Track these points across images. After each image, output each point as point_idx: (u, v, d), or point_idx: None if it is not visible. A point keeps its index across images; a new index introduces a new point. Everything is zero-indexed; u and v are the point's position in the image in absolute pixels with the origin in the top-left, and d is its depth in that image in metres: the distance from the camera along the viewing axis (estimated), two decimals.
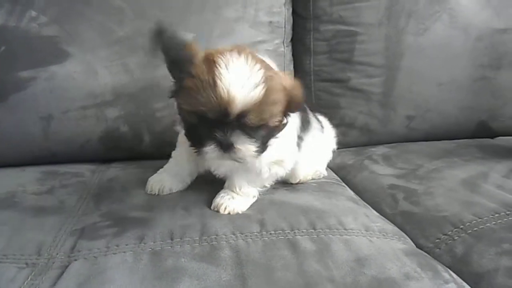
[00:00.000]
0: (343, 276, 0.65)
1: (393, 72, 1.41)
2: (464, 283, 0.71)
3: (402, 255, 0.75)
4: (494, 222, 0.88)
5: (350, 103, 1.43)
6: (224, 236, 0.75)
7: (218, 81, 0.68)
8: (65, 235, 0.75)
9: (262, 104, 0.71)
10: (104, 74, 1.11)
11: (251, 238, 0.75)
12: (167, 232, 0.75)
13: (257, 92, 0.70)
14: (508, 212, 0.90)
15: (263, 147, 0.77)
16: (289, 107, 0.78)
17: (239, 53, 0.73)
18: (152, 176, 0.93)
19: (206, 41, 1.13)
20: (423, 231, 0.91)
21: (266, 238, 0.76)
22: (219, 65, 0.70)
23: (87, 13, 1.10)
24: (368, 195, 1.11)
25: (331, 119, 1.45)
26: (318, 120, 1.12)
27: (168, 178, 0.92)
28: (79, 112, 1.11)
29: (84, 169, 1.10)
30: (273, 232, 0.77)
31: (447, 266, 0.79)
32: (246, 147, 0.73)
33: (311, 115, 1.04)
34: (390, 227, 0.91)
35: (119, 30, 1.12)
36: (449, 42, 1.42)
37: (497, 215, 0.90)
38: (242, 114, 0.70)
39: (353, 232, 0.81)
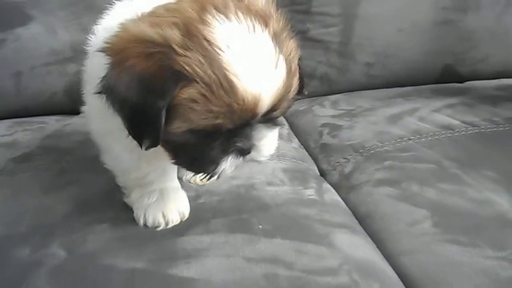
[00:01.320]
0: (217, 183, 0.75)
1: (350, 21, 1.46)
2: (327, 191, 0.81)
3: (279, 170, 0.86)
4: (391, 146, 0.95)
5: (309, 53, 1.50)
6: None
7: (234, 79, 0.47)
8: None
9: (290, 78, 0.53)
10: (63, 33, 1.27)
11: None
12: None
13: (283, 67, 0.51)
14: (411, 138, 0.96)
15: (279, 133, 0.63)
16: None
17: (221, 9, 0.50)
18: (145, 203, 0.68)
19: None
20: (329, 158, 1.00)
21: None
22: (220, 48, 0.48)
23: None
24: (302, 133, 1.21)
25: None
26: None
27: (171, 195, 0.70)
28: (44, 68, 1.28)
29: (50, 119, 1.27)
30: None
31: (333, 183, 0.87)
32: (271, 141, 0.59)
33: None
34: (299, 155, 0.99)
35: None
36: None
37: (399, 139, 0.97)
38: (272, 109, 0.53)
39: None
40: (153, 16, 0.51)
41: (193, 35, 0.48)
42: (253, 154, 0.56)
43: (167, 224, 0.65)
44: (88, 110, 0.66)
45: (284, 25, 0.57)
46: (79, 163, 0.90)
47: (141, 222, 0.65)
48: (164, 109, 0.47)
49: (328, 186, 0.85)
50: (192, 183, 0.76)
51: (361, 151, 0.97)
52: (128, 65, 0.48)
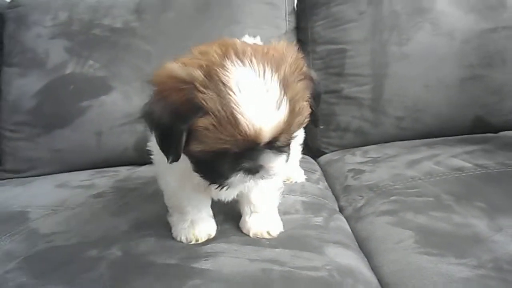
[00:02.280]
0: None
1: (380, 80, 1.64)
2: (335, 220, 0.97)
3: (298, 203, 1.03)
4: (402, 185, 1.09)
5: (344, 110, 1.69)
6: None
7: (239, 116, 0.59)
8: None
9: (292, 117, 0.63)
10: (136, 99, 1.58)
11: None
12: None
13: (285, 107, 0.62)
14: (421, 178, 1.10)
15: (289, 153, 0.72)
16: (313, 92, 0.70)
17: (239, 55, 0.63)
18: (180, 227, 0.87)
19: None
20: (348, 196, 1.16)
21: None
22: (232, 89, 0.60)
23: (125, 58, 1.61)
24: (331, 177, 1.39)
25: (329, 125, 1.72)
26: None
27: (201, 223, 0.87)
28: (120, 128, 1.60)
29: (122, 168, 1.56)
30: None
31: (346, 216, 1.03)
32: (277, 163, 0.68)
33: None
34: (322, 193, 1.16)
35: (147, 67, 1.60)
36: (433, 48, 1.61)
37: (410, 179, 1.11)
38: (273, 139, 0.64)
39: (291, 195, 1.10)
40: (188, 57, 0.67)
41: (212, 76, 0.61)
42: (261, 173, 0.67)
43: (197, 241, 0.84)
44: (151, 145, 0.87)
45: (296, 68, 0.67)
46: (140, 197, 1.15)
47: (178, 238, 0.86)
48: (185, 132, 0.62)
49: (340, 216, 1.00)
50: (259, 237, 0.85)
51: (375, 189, 1.11)
52: (163, 95, 0.64)
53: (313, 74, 0.73)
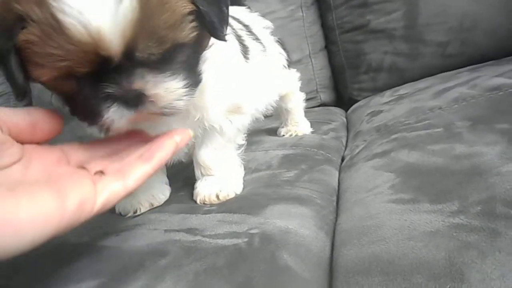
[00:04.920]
0: None
1: (413, 1, 1.34)
2: (315, 172, 0.79)
3: (277, 158, 0.86)
4: (414, 119, 0.87)
5: (374, 46, 1.44)
6: None
7: (61, 16, 0.42)
8: None
9: (148, 11, 0.45)
10: None
11: None
12: None
13: (128, 3, 0.43)
14: (442, 106, 0.86)
15: (193, 79, 0.52)
16: None
17: None
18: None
19: None
20: (353, 143, 0.95)
21: None
22: None
23: None
24: (350, 126, 1.17)
25: (358, 68, 1.48)
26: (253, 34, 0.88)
27: (143, 192, 0.73)
28: None
29: None
30: None
31: (341, 167, 0.83)
32: (164, 88, 0.49)
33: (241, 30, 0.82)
34: (319, 144, 0.97)
35: None
36: None
37: (428, 111, 0.89)
38: (128, 49, 0.45)
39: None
40: None
41: None
42: (143, 103, 0.48)
43: (135, 212, 0.71)
44: None
45: None
46: None
47: (116, 210, 0.73)
48: (12, 52, 0.46)
49: (326, 167, 0.79)
50: (207, 203, 0.69)
51: (381, 130, 0.87)
52: None
53: None
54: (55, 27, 0.43)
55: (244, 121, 0.74)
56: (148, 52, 0.47)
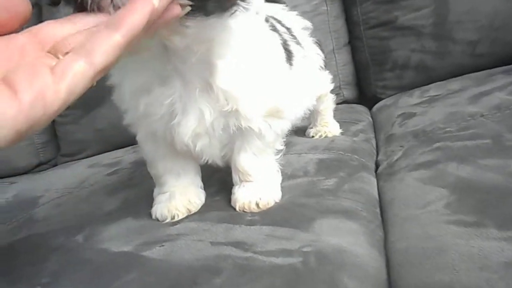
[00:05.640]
0: None
1: None
2: (355, 180, 0.76)
3: (312, 163, 0.84)
4: (455, 126, 0.85)
5: (401, 43, 1.41)
6: None
7: None
8: None
9: None
10: None
11: None
12: None
13: None
14: (484, 114, 0.85)
15: None
16: None
17: None
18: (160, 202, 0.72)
19: None
20: (388, 148, 0.92)
21: None
22: None
23: None
24: (378, 127, 1.15)
25: (384, 65, 1.45)
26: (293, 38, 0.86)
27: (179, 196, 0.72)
28: None
29: None
30: None
31: (378, 173, 0.81)
32: None
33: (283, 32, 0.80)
34: (352, 147, 0.94)
35: None
36: None
37: (469, 118, 0.86)
38: None
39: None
40: None
41: None
42: None
43: (172, 218, 0.69)
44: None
45: None
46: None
47: (153, 216, 0.72)
48: None
49: (365, 175, 0.78)
50: (246, 211, 0.68)
51: (420, 135, 0.85)
52: None
53: None
54: None
55: (284, 126, 0.72)
56: None
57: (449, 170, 0.64)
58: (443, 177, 0.62)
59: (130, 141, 1.53)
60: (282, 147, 0.75)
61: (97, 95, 1.56)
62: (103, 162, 1.35)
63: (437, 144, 0.76)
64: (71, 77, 0.37)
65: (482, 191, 0.54)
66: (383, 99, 1.42)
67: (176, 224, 0.66)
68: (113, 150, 1.58)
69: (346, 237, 0.55)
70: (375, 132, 1.12)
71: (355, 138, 1.01)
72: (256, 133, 0.67)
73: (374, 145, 1.01)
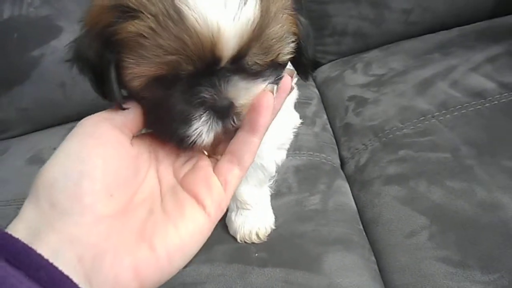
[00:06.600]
0: None
1: None
2: (335, 193, 0.84)
3: (291, 172, 0.88)
4: (412, 128, 0.92)
5: (339, 8, 1.43)
6: None
7: (183, 7, 0.41)
8: None
9: (265, 20, 0.44)
10: None
11: None
12: None
13: (253, 3, 0.43)
14: (435, 114, 0.92)
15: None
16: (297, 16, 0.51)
17: None
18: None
19: None
20: (350, 143, 1.00)
21: None
22: None
23: None
24: (331, 107, 1.21)
25: (323, 30, 1.47)
26: None
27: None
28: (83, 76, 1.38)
29: None
30: None
31: (349, 175, 0.89)
32: (249, 96, 0.47)
33: None
34: (318, 144, 0.99)
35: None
36: None
37: (422, 118, 0.93)
38: (240, 53, 0.44)
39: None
40: None
41: None
42: (230, 114, 0.46)
43: None
44: None
45: None
46: None
47: None
48: (113, 62, 0.45)
49: (340, 182, 0.86)
50: (248, 242, 0.73)
51: (380, 135, 0.94)
52: (90, 24, 0.47)
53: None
54: (174, 18, 0.41)
55: (284, 156, 0.75)
56: (255, 60, 0.46)
57: (420, 190, 0.75)
58: (419, 200, 0.73)
59: (60, 119, 1.46)
60: (275, 173, 0.77)
61: (14, 70, 1.42)
62: (45, 157, 1.27)
63: (401, 153, 0.85)
64: (234, 183, 0.45)
65: (458, 225, 0.66)
66: (323, 64, 1.48)
67: (186, 267, 0.70)
68: (40, 130, 1.49)
69: (352, 276, 0.64)
70: (326, 113, 1.18)
71: (315, 129, 1.07)
72: (259, 166, 0.69)
73: (331, 132, 1.09)
